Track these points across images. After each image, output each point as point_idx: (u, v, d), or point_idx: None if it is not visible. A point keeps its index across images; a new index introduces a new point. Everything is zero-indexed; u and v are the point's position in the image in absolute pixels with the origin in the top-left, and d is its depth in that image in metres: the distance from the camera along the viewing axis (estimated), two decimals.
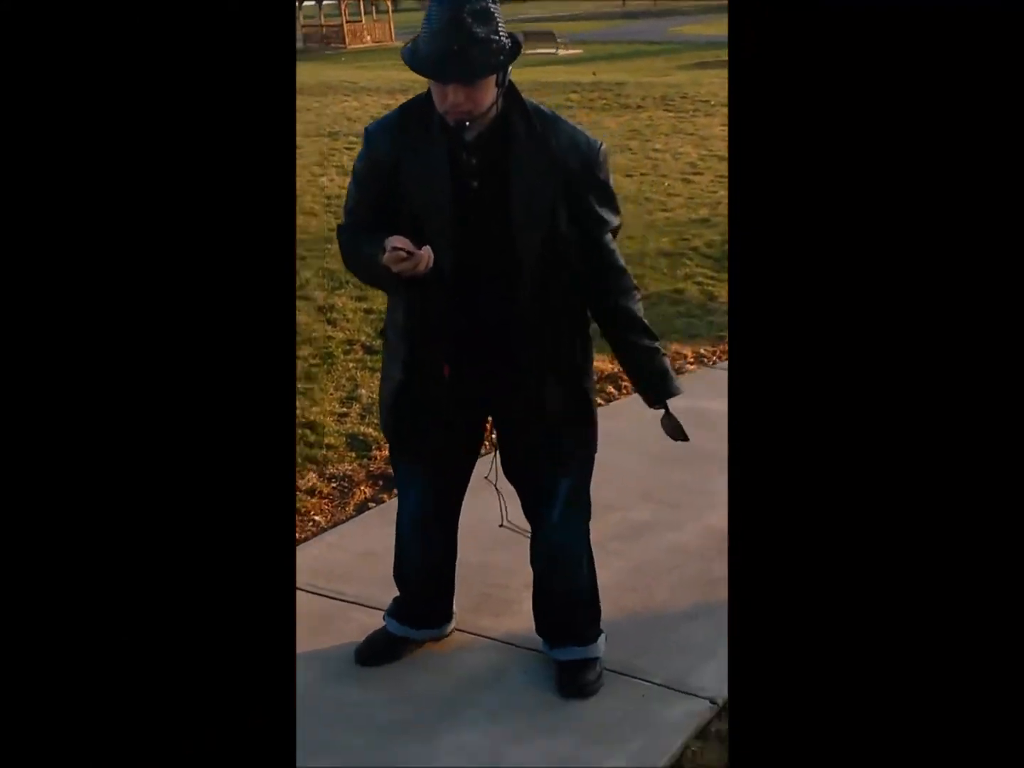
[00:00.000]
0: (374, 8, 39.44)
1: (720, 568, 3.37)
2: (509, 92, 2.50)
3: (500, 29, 2.37)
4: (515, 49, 2.42)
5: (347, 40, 35.73)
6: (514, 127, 2.50)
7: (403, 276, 2.44)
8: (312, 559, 3.52)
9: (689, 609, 3.22)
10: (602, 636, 2.93)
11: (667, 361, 2.75)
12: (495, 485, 2.85)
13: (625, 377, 5.10)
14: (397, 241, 2.41)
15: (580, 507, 2.86)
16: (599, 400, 4.85)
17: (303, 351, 5.34)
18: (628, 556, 3.52)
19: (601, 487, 3.88)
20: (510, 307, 2.58)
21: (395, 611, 3.01)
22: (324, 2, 39.94)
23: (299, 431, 4.44)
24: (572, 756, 2.61)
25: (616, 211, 2.63)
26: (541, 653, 2.96)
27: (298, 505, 3.87)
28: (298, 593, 3.32)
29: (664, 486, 4.01)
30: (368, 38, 36.71)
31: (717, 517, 3.64)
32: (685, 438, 2.79)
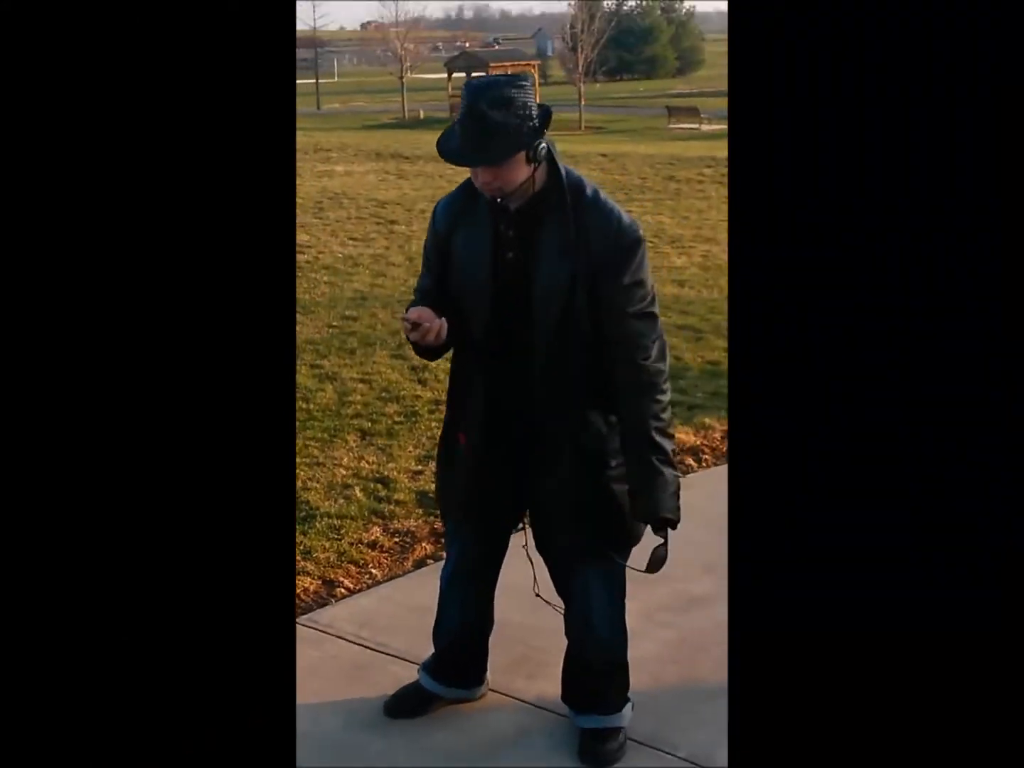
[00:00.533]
0: None
1: None
2: (551, 167, 2.56)
3: (521, 111, 2.44)
4: (543, 123, 2.49)
5: None
6: (549, 203, 2.56)
7: (419, 345, 2.54)
8: (361, 610, 3.58)
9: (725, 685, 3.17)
10: (628, 705, 2.91)
11: (664, 481, 2.63)
12: (527, 554, 2.87)
13: (704, 450, 5.10)
14: (410, 312, 2.52)
15: (611, 587, 2.84)
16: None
17: (389, 408, 5.45)
18: (676, 627, 3.49)
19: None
20: (530, 382, 2.62)
21: (430, 666, 3.05)
22: (474, 74, 40.99)
23: (372, 485, 4.54)
24: None
25: (642, 299, 2.57)
26: (568, 719, 2.95)
27: (358, 557, 3.95)
28: (341, 643, 3.40)
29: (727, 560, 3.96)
30: None
31: None
32: (655, 570, 2.72)
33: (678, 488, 2.67)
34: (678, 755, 2.83)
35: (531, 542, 2.86)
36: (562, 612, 2.92)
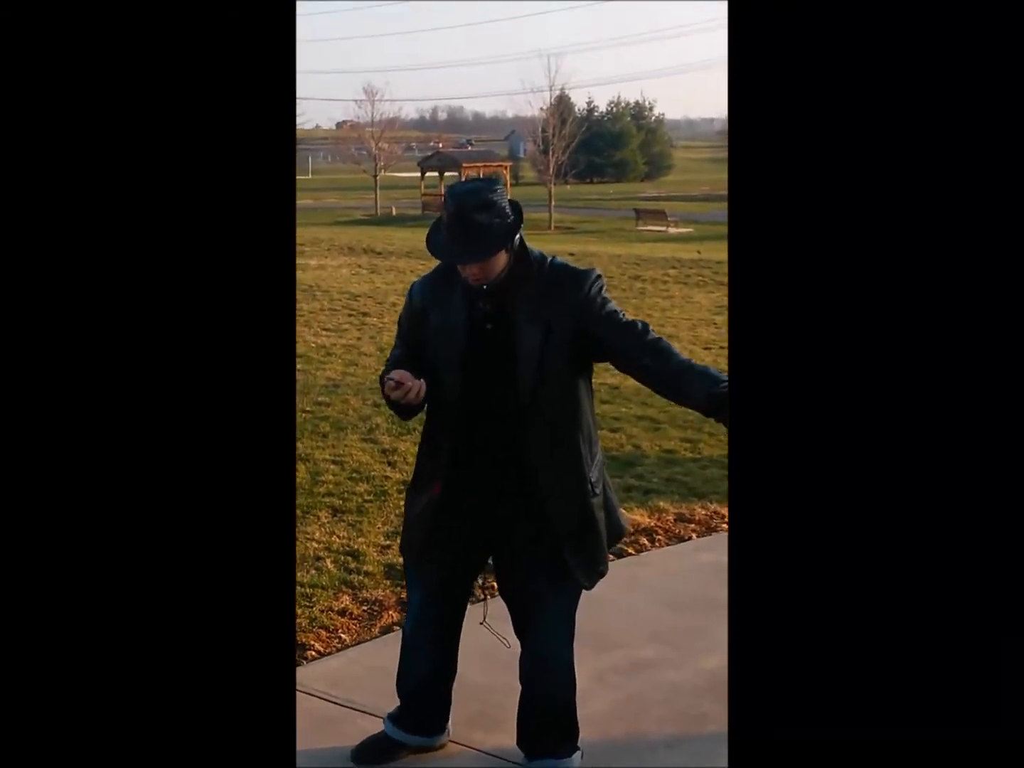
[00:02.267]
0: None
1: (706, 705, 3.59)
2: (521, 249, 2.93)
3: (501, 212, 2.83)
4: (517, 222, 2.87)
5: None
6: (521, 277, 2.92)
7: (401, 403, 2.85)
8: (330, 671, 3.83)
9: (668, 739, 3.43)
10: (578, 753, 3.16)
11: (708, 367, 2.96)
12: (479, 593, 3.16)
13: (658, 531, 5.39)
14: (394, 373, 2.83)
15: (569, 623, 3.14)
16: (631, 550, 5.16)
17: (359, 487, 5.73)
18: (624, 689, 3.75)
19: (613, 627, 4.18)
20: (514, 431, 2.94)
21: (394, 716, 3.29)
22: (446, 173, 41.86)
23: (342, 558, 4.80)
24: None
25: (622, 313, 2.96)
26: (523, 766, 3.20)
27: (328, 623, 4.20)
28: (312, 699, 3.63)
29: (672, 630, 4.23)
30: None
31: (715, 661, 3.86)
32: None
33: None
34: None
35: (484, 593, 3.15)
36: (508, 646, 3.18)
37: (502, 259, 2.87)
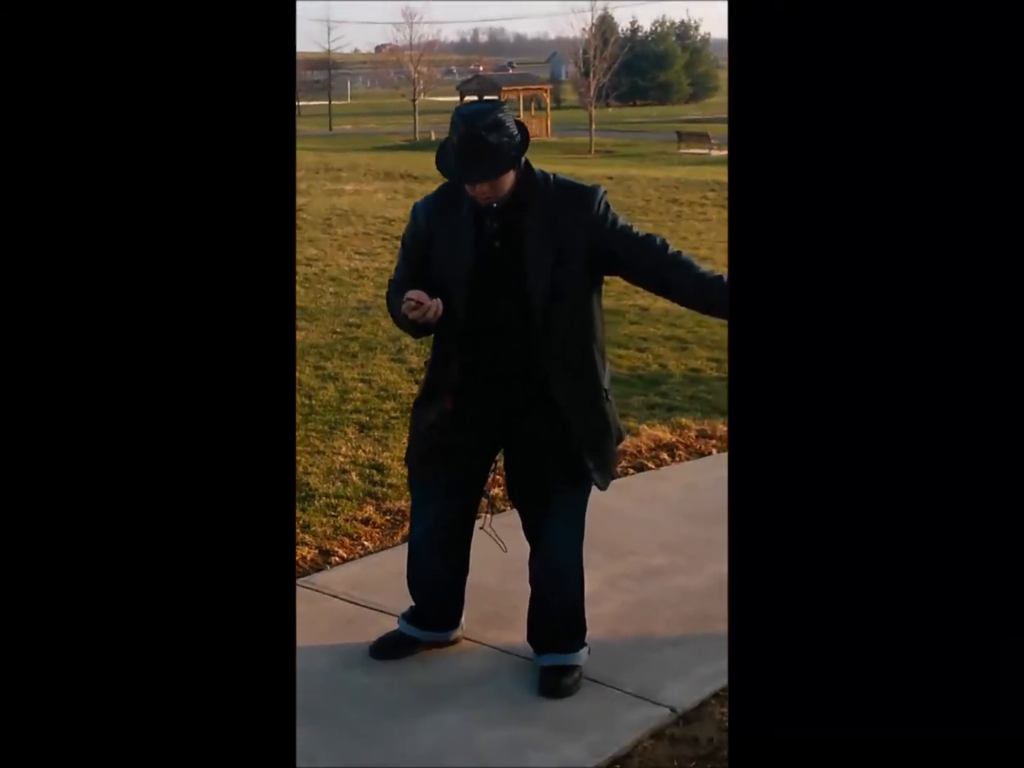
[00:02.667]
0: (533, 105, 40.81)
1: (714, 607, 3.71)
2: (526, 169, 3.01)
3: (510, 131, 2.92)
4: (524, 142, 2.96)
5: None
6: (527, 195, 3.02)
7: (418, 322, 2.95)
8: (352, 575, 3.99)
9: (675, 638, 3.57)
10: (584, 649, 3.31)
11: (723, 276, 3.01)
12: (486, 497, 3.34)
13: (679, 447, 5.50)
14: (412, 293, 2.93)
15: (578, 527, 3.26)
16: (651, 465, 5.28)
17: (386, 405, 5.87)
18: (635, 593, 3.89)
19: (628, 536, 4.31)
20: (523, 346, 3.05)
21: (408, 615, 3.45)
22: (485, 97, 41.54)
23: (367, 471, 4.95)
24: (535, 741, 2.99)
25: (628, 227, 3.06)
26: (529, 660, 3.35)
27: (352, 531, 4.36)
28: (334, 600, 3.80)
29: (686, 539, 4.35)
30: None
31: (726, 567, 3.97)
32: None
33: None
34: (626, 691, 3.23)
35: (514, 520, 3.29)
36: (506, 551, 3.33)
37: (510, 178, 2.96)
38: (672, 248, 3.08)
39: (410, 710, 3.13)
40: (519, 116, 37.22)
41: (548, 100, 41.98)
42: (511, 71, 62.91)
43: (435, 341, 3.21)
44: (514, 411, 3.14)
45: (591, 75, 36.75)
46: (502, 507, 4.01)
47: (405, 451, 3.44)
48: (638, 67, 60.44)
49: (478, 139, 2.87)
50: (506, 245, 3.03)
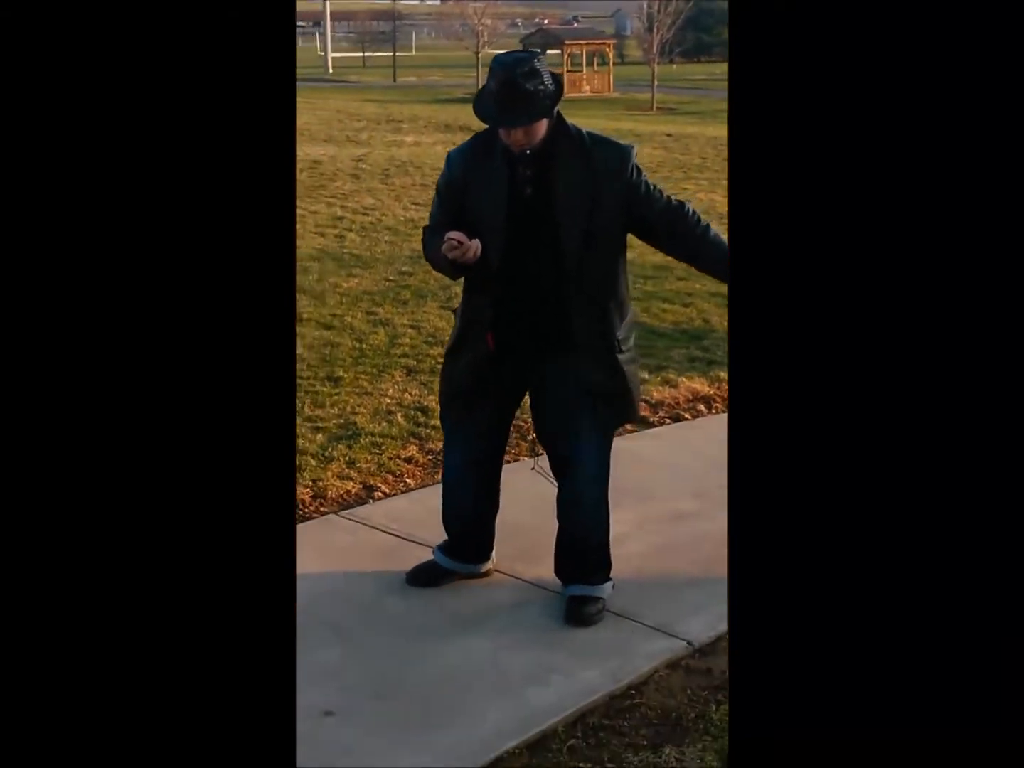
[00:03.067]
0: (596, 60, 40.54)
1: None
2: (558, 120, 3.16)
3: (544, 82, 3.06)
4: (559, 92, 3.10)
5: (566, 88, 36.95)
6: (560, 145, 3.17)
7: (457, 262, 3.11)
8: (395, 509, 4.20)
9: (696, 578, 3.72)
10: (609, 583, 3.48)
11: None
12: (537, 465, 3.50)
13: (716, 399, 5.63)
14: (452, 234, 3.07)
15: (602, 466, 3.43)
16: (687, 415, 5.42)
17: (434, 351, 6.05)
18: (662, 535, 4.05)
19: (659, 482, 4.47)
20: (554, 292, 3.20)
21: (443, 546, 3.64)
22: (549, 51, 41.32)
23: (412, 413, 5.15)
24: (557, 665, 3.17)
25: (659, 188, 3.25)
26: (558, 594, 3.52)
27: (395, 468, 4.56)
28: (375, 532, 4.00)
29: (714, 487, 4.48)
30: (587, 88, 37.81)
31: None
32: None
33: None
34: (646, 624, 3.40)
35: (544, 463, 3.47)
36: (556, 486, 3.49)
37: (543, 126, 3.11)
38: (701, 218, 3.24)
39: (440, 633, 3.33)
40: (581, 71, 36.84)
41: (611, 55, 41.64)
42: (576, 25, 62.41)
43: (467, 288, 3.36)
44: (541, 353, 3.32)
45: (655, 30, 36.38)
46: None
47: (438, 392, 3.60)
48: (703, 23, 59.58)
49: (515, 86, 3.03)
50: (538, 192, 3.18)
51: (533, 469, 3.60)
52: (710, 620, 3.44)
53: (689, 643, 3.31)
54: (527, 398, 3.53)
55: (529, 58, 3.10)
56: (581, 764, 2.75)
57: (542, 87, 3.06)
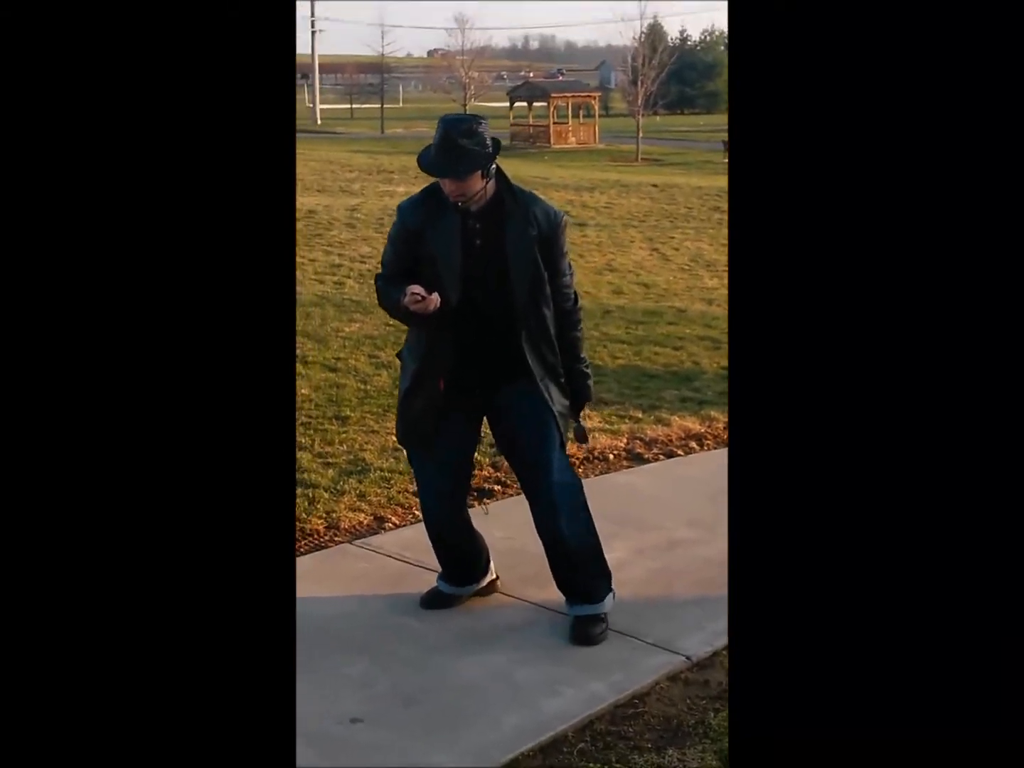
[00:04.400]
0: (581, 112, 41.17)
1: None
2: (500, 177, 3.53)
3: (482, 139, 3.42)
4: (495, 150, 3.46)
5: (552, 140, 37.52)
6: (505, 202, 3.54)
7: (418, 313, 3.40)
8: (404, 538, 4.43)
9: (694, 599, 3.96)
10: (610, 596, 3.71)
11: (590, 384, 3.76)
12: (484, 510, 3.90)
13: (707, 437, 5.88)
14: (414, 288, 3.38)
15: (572, 474, 3.75)
16: (680, 452, 5.67)
17: None
18: (659, 560, 4.28)
19: (656, 513, 4.71)
20: (507, 331, 3.52)
21: (442, 574, 3.89)
22: (535, 104, 41.95)
23: None
24: (566, 678, 3.39)
25: (568, 265, 3.66)
26: (563, 615, 3.75)
27: (404, 501, 4.79)
28: (388, 560, 4.23)
29: (709, 516, 4.74)
30: (573, 139, 38.40)
31: None
32: (586, 440, 3.94)
33: (592, 384, 3.80)
34: (647, 641, 3.63)
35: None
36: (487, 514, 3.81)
37: (478, 183, 3.44)
38: (578, 314, 3.69)
39: (456, 649, 3.55)
40: (567, 122, 37.18)
41: (597, 107, 42.31)
42: (561, 78, 63.21)
43: (419, 332, 3.60)
44: (494, 385, 3.62)
45: (639, 83, 36.98)
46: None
47: (397, 435, 3.86)
48: (686, 76, 60.58)
49: (453, 142, 3.37)
50: (487, 243, 3.52)
51: (486, 513, 3.87)
52: (707, 637, 3.66)
53: (688, 658, 3.53)
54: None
55: (470, 120, 3.46)
56: (591, 765, 2.97)
57: (476, 148, 3.39)
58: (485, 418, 3.74)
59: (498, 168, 3.51)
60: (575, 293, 3.71)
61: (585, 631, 3.63)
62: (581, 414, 3.80)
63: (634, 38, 41.31)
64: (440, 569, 3.92)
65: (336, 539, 4.46)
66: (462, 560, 3.86)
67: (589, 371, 3.78)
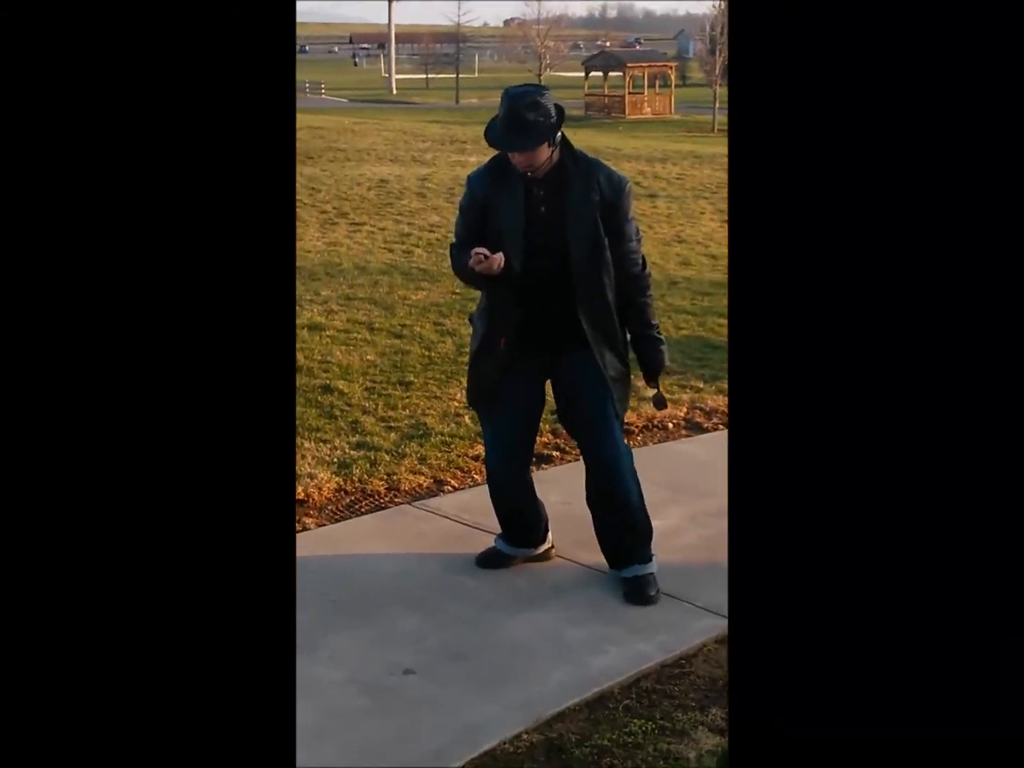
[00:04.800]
0: (658, 82, 40.89)
1: None
2: (564, 145, 3.59)
3: (545, 112, 3.48)
4: (559, 119, 3.52)
5: (627, 110, 37.34)
6: (568, 169, 3.60)
7: (483, 274, 3.52)
8: (462, 501, 4.53)
9: None
10: (654, 558, 3.78)
11: (663, 349, 3.80)
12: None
13: None
14: (478, 249, 3.48)
15: (623, 445, 3.79)
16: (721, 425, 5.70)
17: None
18: (712, 527, 4.33)
19: (711, 481, 4.75)
20: (568, 297, 3.60)
21: (501, 534, 3.98)
22: (610, 73, 41.74)
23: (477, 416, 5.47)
24: (613, 638, 3.47)
25: (635, 231, 3.69)
26: (616, 578, 3.83)
27: (463, 465, 4.89)
28: (445, 520, 4.34)
29: None
30: (648, 110, 38.20)
31: None
32: (665, 406, 3.97)
33: (666, 350, 3.84)
34: (697, 604, 3.70)
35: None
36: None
37: (545, 153, 3.52)
38: (646, 280, 3.72)
39: (508, 608, 3.65)
40: (643, 92, 37.05)
41: (673, 77, 42.00)
42: (638, 47, 62.83)
43: (488, 296, 3.74)
44: (557, 348, 3.71)
45: (717, 52, 36.64)
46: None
47: (467, 395, 3.98)
48: None
49: (518, 115, 3.45)
50: (550, 210, 3.60)
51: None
52: None
53: None
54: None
55: (534, 91, 3.53)
56: (635, 720, 3.05)
57: (542, 118, 3.46)
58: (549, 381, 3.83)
59: (563, 136, 3.58)
60: (643, 259, 3.74)
61: (641, 591, 3.71)
62: (658, 380, 3.85)
63: (713, 6, 40.86)
64: (499, 530, 4.01)
65: (396, 500, 4.57)
66: (521, 522, 3.95)
67: (661, 336, 3.82)
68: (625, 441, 3.86)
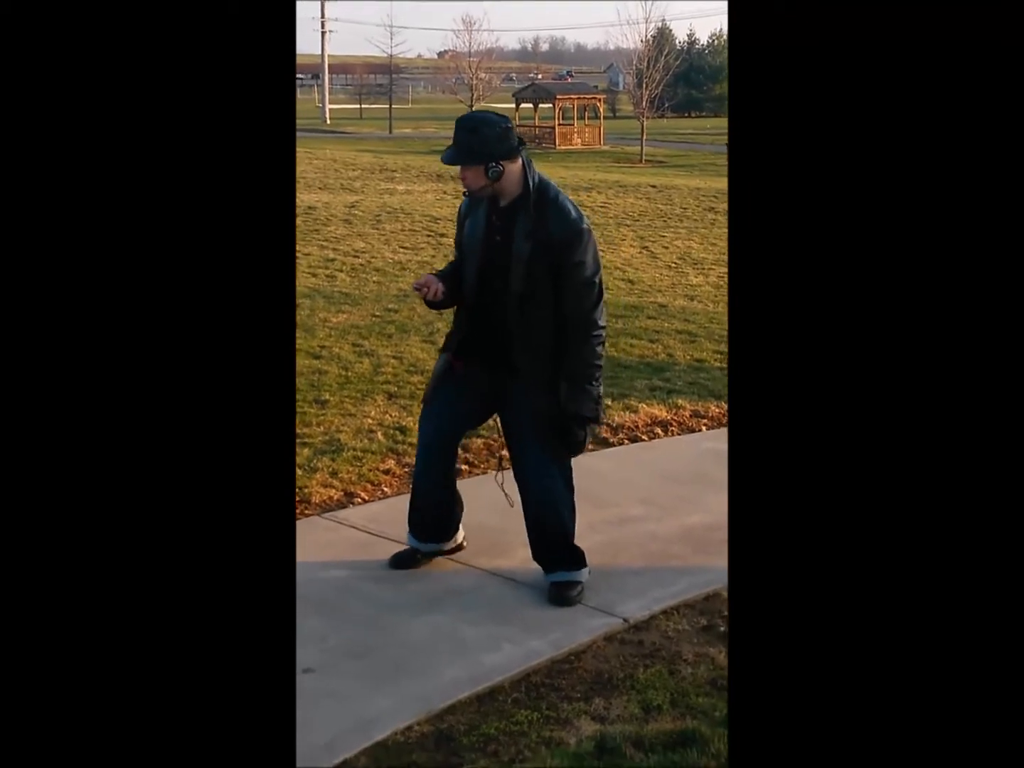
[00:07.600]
0: (587, 114, 41.40)
1: (677, 549, 4.35)
2: (526, 178, 3.73)
3: (486, 139, 3.66)
4: (501, 151, 3.67)
5: (557, 141, 37.80)
6: (525, 202, 3.74)
7: (426, 301, 3.80)
8: (371, 512, 4.68)
9: (637, 569, 4.20)
10: (586, 569, 3.98)
11: (586, 402, 3.76)
12: (500, 480, 4.10)
13: (673, 424, 6.11)
14: (421, 278, 3.79)
15: (556, 473, 3.93)
16: (645, 437, 5.91)
17: (414, 378, 6.56)
18: (609, 535, 4.52)
19: (612, 492, 4.95)
20: (501, 325, 3.78)
21: (411, 529, 4.16)
22: (540, 105, 42.20)
23: (391, 432, 5.63)
24: (508, 636, 3.64)
25: (588, 274, 3.70)
26: (513, 581, 4.00)
27: (374, 479, 5.04)
28: (352, 530, 4.48)
29: (663, 496, 4.99)
30: (578, 140, 38.66)
31: (695, 519, 4.63)
32: (576, 453, 3.94)
33: (599, 398, 3.81)
34: (589, 605, 3.87)
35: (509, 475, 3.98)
36: (512, 505, 4.04)
37: (480, 178, 3.68)
38: (589, 328, 3.71)
39: (408, 610, 3.80)
40: (573, 124, 37.29)
41: (602, 109, 42.55)
42: (569, 79, 63.46)
43: (456, 309, 4.02)
44: (498, 376, 3.88)
45: (644, 86, 37.19)
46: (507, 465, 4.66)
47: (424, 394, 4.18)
48: (694, 79, 60.91)
49: (456, 134, 3.71)
50: (503, 240, 3.79)
51: (499, 482, 4.12)
52: (645, 602, 3.91)
53: (625, 620, 3.78)
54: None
55: (478, 118, 3.77)
56: (522, 711, 3.22)
57: (477, 142, 3.65)
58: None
59: (527, 168, 3.73)
60: (595, 306, 3.72)
61: (563, 594, 3.90)
62: (583, 428, 3.80)
63: (640, 40, 41.45)
64: (405, 540, 4.17)
65: (307, 512, 4.70)
66: (431, 510, 4.12)
67: (590, 388, 3.75)
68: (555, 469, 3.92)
